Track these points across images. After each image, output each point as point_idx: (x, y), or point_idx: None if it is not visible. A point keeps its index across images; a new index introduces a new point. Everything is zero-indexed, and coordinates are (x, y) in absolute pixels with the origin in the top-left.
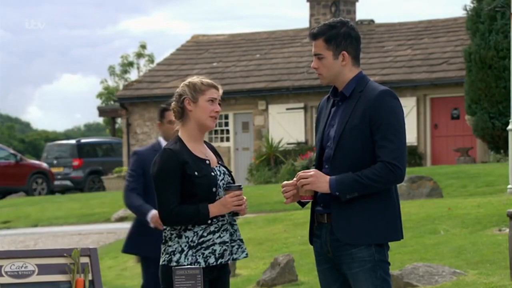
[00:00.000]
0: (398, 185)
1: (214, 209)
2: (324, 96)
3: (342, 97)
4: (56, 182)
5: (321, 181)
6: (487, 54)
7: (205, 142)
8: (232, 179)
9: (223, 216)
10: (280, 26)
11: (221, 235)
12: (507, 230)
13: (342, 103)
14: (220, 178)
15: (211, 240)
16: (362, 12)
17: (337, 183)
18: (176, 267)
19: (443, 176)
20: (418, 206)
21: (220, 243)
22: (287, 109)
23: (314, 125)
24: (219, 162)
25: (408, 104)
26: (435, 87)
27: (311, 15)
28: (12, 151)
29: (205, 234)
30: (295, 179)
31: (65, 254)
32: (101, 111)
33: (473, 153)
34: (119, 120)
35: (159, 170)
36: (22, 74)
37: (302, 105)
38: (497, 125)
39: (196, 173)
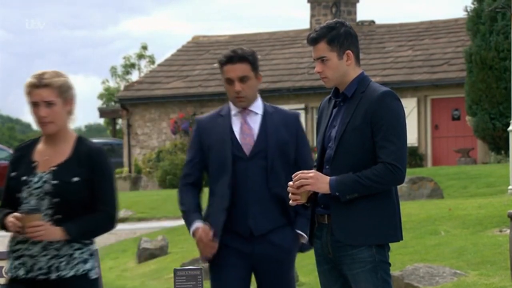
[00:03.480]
0: (398, 186)
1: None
2: (324, 97)
3: (343, 97)
4: None
5: (321, 181)
6: (487, 55)
7: (87, 143)
8: (60, 187)
9: None
10: (281, 27)
11: (29, 248)
12: (508, 231)
13: (343, 104)
14: (36, 185)
15: (21, 250)
16: (363, 12)
17: (337, 184)
18: (177, 268)
19: (443, 177)
20: (419, 207)
21: (28, 255)
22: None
23: (315, 126)
24: (54, 167)
25: (409, 105)
26: (435, 88)
27: (312, 16)
28: (12, 152)
29: (13, 243)
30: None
31: None
32: (102, 112)
33: (473, 154)
34: (119, 121)
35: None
36: (23, 75)
37: (302, 106)
38: (498, 126)
39: (12, 173)
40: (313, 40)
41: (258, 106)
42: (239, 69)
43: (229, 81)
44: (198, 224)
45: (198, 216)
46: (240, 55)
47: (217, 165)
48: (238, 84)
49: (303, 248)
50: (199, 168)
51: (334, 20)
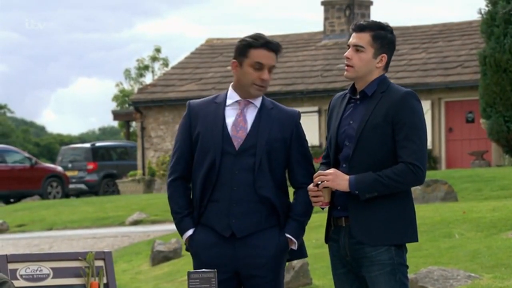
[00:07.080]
0: (412, 188)
1: None
2: None
3: (362, 96)
4: (71, 186)
5: (340, 178)
6: (502, 58)
7: None
8: None
9: None
10: (294, 30)
11: None
12: None
13: (360, 102)
14: None
15: None
16: (377, 15)
17: (356, 182)
18: (191, 271)
19: (458, 179)
20: (433, 210)
21: None
22: (301, 112)
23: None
24: None
25: (423, 108)
26: (449, 90)
27: (325, 19)
28: (27, 154)
29: None
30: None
31: (79, 258)
32: (116, 115)
33: (488, 156)
34: (133, 123)
35: None
36: (37, 77)
37: (316, 108)
38: None
39: None
40: (360, 27)
41: (258, 99)
42: (272, 58)
43: (259, 66)
44: (191, 233)
45: (191, 222)
46: (277, 45)
47: (203, 157)
48: (268, 73)
49: (293, 256)
50: (187, 160)
51: (386, 22)
